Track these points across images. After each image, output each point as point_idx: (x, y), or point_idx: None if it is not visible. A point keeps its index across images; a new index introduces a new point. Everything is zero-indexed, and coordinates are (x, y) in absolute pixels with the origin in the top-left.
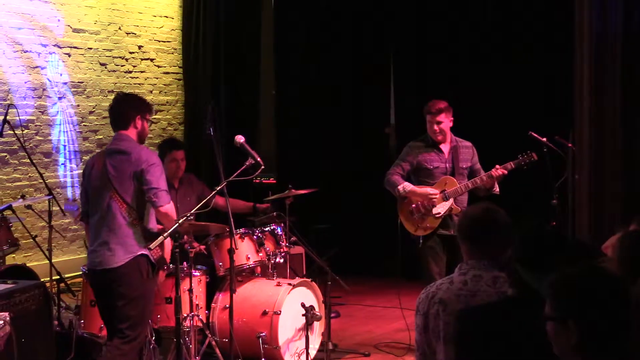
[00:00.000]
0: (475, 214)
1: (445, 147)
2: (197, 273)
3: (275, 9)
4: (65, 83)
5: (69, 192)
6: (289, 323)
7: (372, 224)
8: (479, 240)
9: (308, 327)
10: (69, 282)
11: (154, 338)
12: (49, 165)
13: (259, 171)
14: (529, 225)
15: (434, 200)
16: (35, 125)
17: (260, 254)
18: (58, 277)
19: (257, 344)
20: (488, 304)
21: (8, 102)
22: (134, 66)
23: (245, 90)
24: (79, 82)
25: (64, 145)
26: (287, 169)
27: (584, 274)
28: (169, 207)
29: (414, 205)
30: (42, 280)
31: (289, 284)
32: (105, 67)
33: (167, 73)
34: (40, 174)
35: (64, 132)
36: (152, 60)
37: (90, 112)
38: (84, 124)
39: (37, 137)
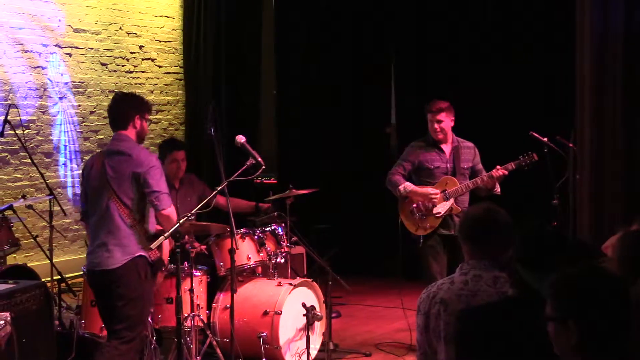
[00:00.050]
0: (476, 214)
1: (446, 147)
2: (198, 273)
3: (276, 9)
4: (66, 83)
5: (70, 192)
6: (289, 323)
7: (372, 224)
8: (480, 240)
9: (309, 327)
10: (69, 282)
11: (154, 338)
12: (49, 165)
13: (260, 171)
14: (529, 225)
15: (435, 200)
16: (36, 125)
17: (261, 254)
18: (59, 277)
19: (258, 344)
20: (489, 304)
21: (9, 102)
22: (134, 66)
23: (246, 90)
24: (80, 82)
25: (65, 145)
26: (288, 169)
27: (584, 274)
28: (170, 211)
29: (414, 205)
30: (43, 280)
31: (290, 284)
32: (106, 67)
33: (168, 73)
34: (41, 174)
35: (64, 132)
36: (153, 60)
37: (91, 112)
38: (84, 124)
39: (38, 137)
